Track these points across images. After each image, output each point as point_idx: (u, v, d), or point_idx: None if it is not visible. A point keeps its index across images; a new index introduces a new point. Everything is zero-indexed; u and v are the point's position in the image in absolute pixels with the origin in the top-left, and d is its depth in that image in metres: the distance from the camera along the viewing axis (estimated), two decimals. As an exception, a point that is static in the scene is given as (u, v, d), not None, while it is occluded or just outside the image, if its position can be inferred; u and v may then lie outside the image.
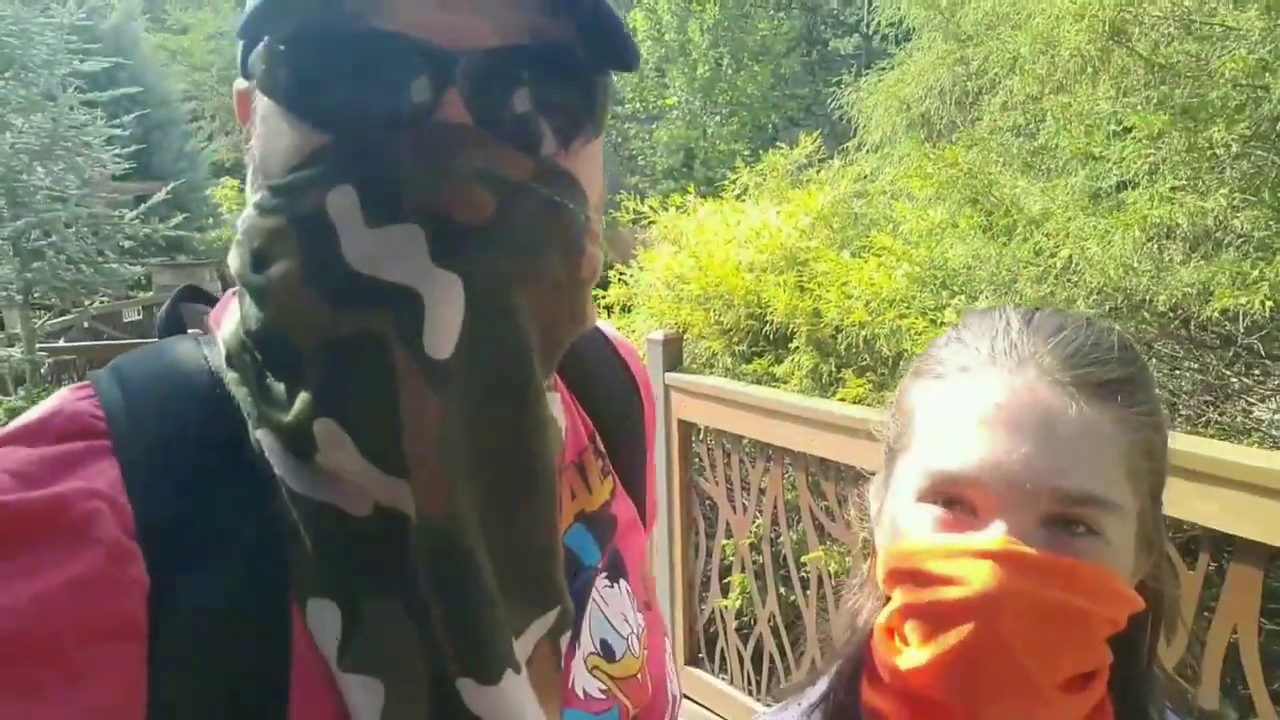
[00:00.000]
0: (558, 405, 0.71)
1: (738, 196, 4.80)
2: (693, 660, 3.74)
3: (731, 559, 3.63)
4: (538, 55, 0.61)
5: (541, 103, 0.62)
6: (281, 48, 0.60)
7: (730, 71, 14.87)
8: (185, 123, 16.05)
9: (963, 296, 2.94)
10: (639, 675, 0.78)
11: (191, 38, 19.08)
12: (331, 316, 0.57)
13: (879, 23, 4.72)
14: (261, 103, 0.63)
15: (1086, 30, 2.68)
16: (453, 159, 0.57)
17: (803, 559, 3.23)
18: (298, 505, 0.60)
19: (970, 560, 0.73)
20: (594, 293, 0.70)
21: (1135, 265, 2.46)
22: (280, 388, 0.60)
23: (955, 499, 0.77)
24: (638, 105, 15.03)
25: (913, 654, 0.77)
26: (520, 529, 0.63)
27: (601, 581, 0.78)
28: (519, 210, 0.59)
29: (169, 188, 9.79)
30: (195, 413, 0.63)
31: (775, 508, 3.33)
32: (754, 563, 3.53)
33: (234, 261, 0.63)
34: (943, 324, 2.99)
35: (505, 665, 0.61)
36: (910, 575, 0.78)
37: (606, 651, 0.76)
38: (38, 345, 9.00)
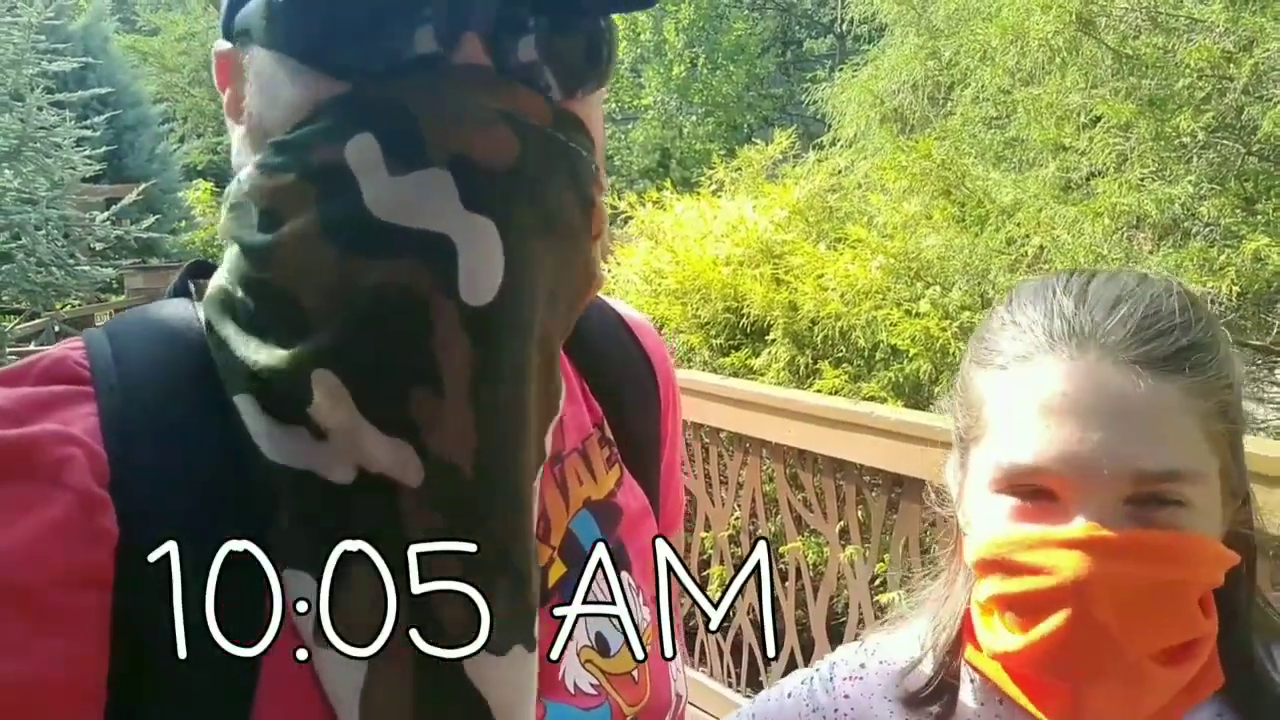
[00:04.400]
0: (563, 384, 0.69)
1: (714, 192, 4.82)
2: (673, 654, 3.74)
3: (710, 552, 3.63)
4: (544, 1, 0.61)
5: (546, 52, 0.61)
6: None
7: (705, 71, 14.91)
8: (157, 125, 15.87)
9: (937, 287, 2.96)
10: (634, 672, 0.75)
11: (162, 39, 18.90)
12: (352, 269, 0.55)
13: (852, 18, 4.75)
14: (259, 59, 0.61)
15: (1054, 21, 2.72)
16: (475, 100, 0.56)
17: (781, 550, 3.24)
18: (273, 473, 0.58)
19: (1056, 550, 0.74)
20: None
21: (1105, 253, 2.49)
22: (273, 344, 0.58)
23: (1033, 488, 0.78)
24: (613, 105, 15.03)
25: (1010, 638, 0.79)
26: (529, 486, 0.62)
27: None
28: (539, 154, 0.58)
29: (140, 190, 9.66)
30: (182, 370, 0.61)
31: (754, 500, 3.35)
32: (733, 555, 3.54)
33: (231, 226, 0.61)
34: (918, 315, 3.02)
35: (519, 639, 0.60)
36: (999, 565, 0.78)
37: (601, 645, 0.73)
38: (8, 349, 8.88)
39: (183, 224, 14.64)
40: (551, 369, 0.63)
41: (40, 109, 8.88)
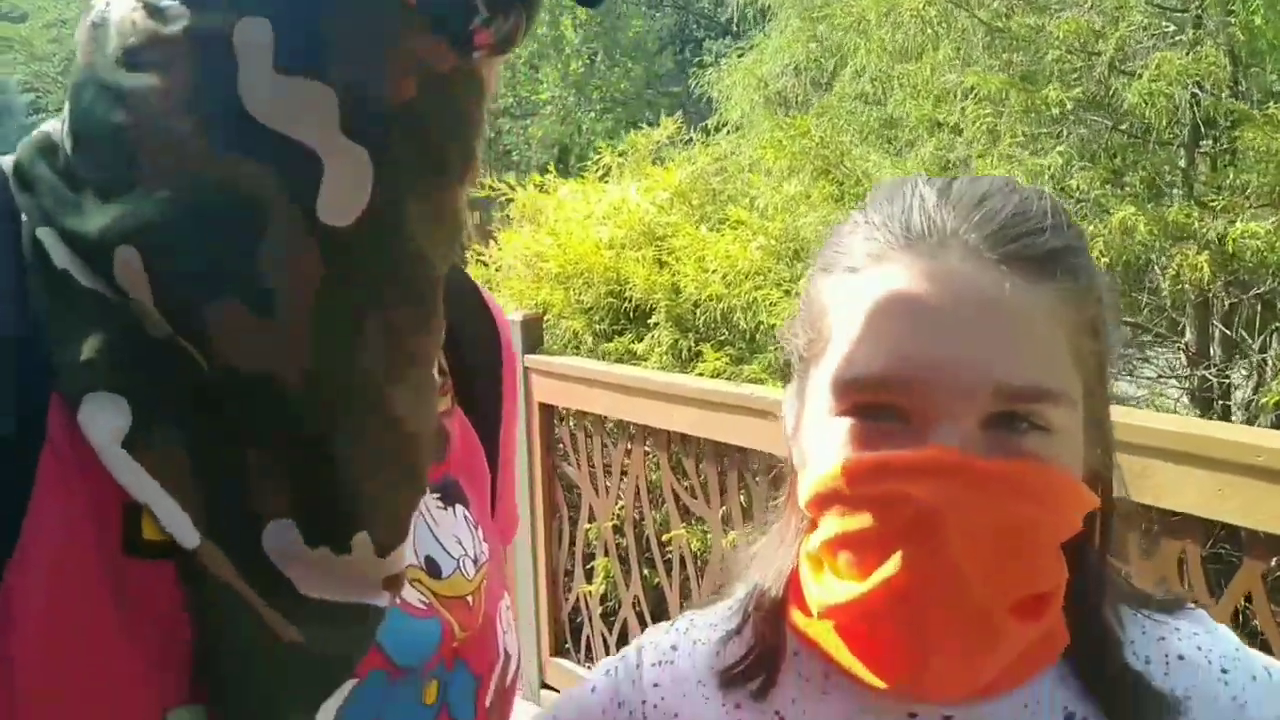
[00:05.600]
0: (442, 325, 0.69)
1: (601, 177, 4.71)
2: (558, 651, 3.63)
3: (595, 544, 3.54)
4: None
5: None
6: None
7: (604, 68, 14.85)
8: (24, 116, 15.04)
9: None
10: (469, 599, 0.74)
11: (30, 25, 17.91)
12: (202, 153, 0.53)
13: (739, 4, 4.72)
14: None
15: (927, -7, 2.71)
16: (390, 34, 0.54)
17: (665, 537, 3.17)
18: (84, 300, 0.56)
19: (906, 478, 0.64)
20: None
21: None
22: (88, 199, 0.56)
23: (881, 408, 0.67)
24: (510, 100, 14.84)
25: (845, 587, 0.68)
26: (393, 413, 0.60)
27: (433, 501, 0.75)
28: (432, 100, 0.57)
29: (1, 181, 9.10)
30: None
31: (638, 488, 3.26)
32: (618, 545, 3.45)
33: (87, 45, 0.58)
34: (798, 295, 2.97)
35: (326, 541, 0.59)
36: (837, 499, 0.68)
37: (431, 568, 0.73)
38: None
39: (54, 220, 13.83)
40: (424, 307, 0.62)
41: (-117, 93, 8.30)
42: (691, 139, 4.58)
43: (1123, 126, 2.62)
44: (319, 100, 0.53)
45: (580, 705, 0.86)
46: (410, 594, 0.71)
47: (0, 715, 0.53)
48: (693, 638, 0.83)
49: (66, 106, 0.60)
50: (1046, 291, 0.67)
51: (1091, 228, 2.32)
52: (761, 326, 3.08)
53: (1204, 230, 2.19)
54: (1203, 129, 2.63)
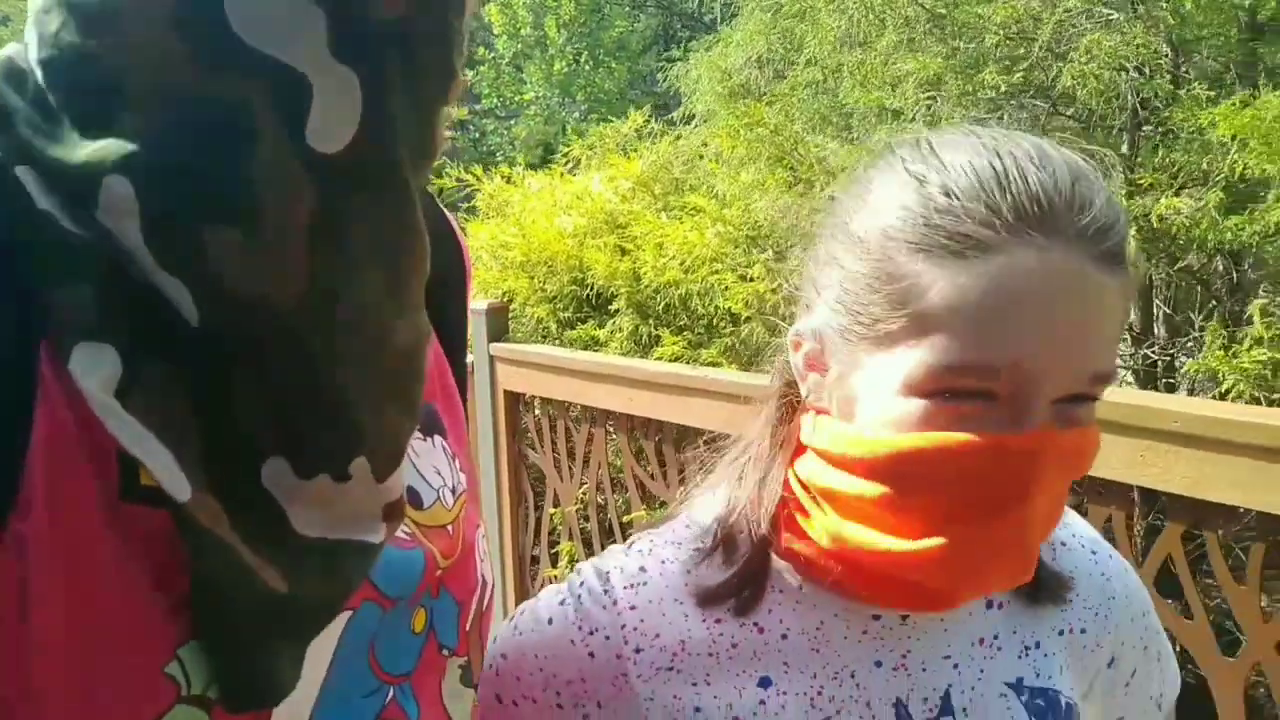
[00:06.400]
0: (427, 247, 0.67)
1: (570, 170, 4.75)
2: (524, 634, 3.67)
3: (560, 528, 3.58)
4: None
5: None
6: None
7: (588, 68, 14.88)
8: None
9: (771, 251, 2.98)
10: (449, 528, 0.75)
11: (11, 29, 17.88)
12: (189, 75, 0.51)
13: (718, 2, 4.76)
14: None
15: (871, -20, 2.76)
16: None
17: (625, 519, 3.21)
18: (69, 244, 0.54)
19: (1009, 457, 0.69)
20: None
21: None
22: (67, 129, 0.54)
23: (974, 390, 0.70)
24: (495, 101, 14.87)
25: (892, 541, 0.72)
26: (389, 337, 0.60)
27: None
28: (421, 16, 0.55)
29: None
30: None
31: (600, 472, 3.31)
32: (582, 530, 3.49)
33: None
34: (752, 280, 3.02)
35: (325, 468, 0.59)
36: (916, 469, 0.71)
37: (413, 498, 0.73)
38: None
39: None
40: (410, 229, 0.60)
41: None
42: (654, 130, 4.63)
43: (1067, 112, 2.67)
44: (308, 20, 0.51)
45: (543, 639, 0.84)
46: None
47: (23, 649, 0.53)
48: (659, 557, 0.83)
49: (31, 33, 0.57)
50: (1121, 282, 0.72)
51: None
52: (718, 311, 3.14)
53: (1133, 208, 2.25)
54: (1139, 112, 2.69)
